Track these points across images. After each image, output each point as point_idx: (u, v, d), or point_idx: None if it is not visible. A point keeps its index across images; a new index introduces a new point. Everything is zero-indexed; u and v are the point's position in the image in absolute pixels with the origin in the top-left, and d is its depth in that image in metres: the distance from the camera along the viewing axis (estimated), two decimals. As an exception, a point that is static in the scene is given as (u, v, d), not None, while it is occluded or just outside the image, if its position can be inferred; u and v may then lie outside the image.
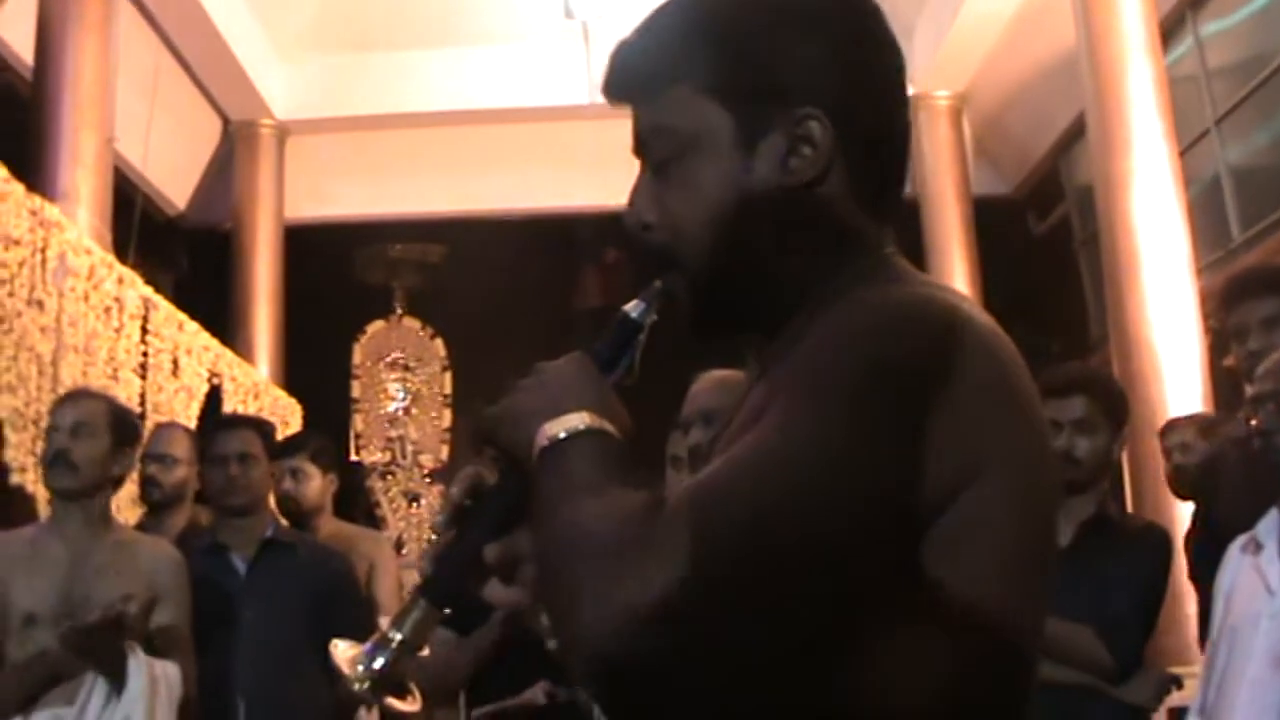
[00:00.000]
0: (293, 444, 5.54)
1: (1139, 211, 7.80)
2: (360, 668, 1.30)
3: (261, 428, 4.48)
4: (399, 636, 1.31)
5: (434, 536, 1.37)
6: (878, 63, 1.36)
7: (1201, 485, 4.17)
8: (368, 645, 1.31)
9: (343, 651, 1.32)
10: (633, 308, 1.38)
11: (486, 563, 1.31)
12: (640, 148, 1.38)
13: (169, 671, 3.49)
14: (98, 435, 3.74)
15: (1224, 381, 8.17)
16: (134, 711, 3.36)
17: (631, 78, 1.37)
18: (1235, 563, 3.11)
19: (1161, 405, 7.36)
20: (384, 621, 1.50)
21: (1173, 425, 5.38)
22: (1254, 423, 3.03)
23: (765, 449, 1.11)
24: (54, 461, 3.70)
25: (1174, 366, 7.54)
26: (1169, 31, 9.16)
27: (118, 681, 3.38)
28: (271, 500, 4.85)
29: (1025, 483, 1.18)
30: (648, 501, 1.14)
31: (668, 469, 3.41)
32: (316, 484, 5.40)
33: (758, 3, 1.35)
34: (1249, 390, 3.30)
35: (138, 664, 3.39)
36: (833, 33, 1.33)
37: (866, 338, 1.15)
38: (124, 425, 3.88)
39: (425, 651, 1.39)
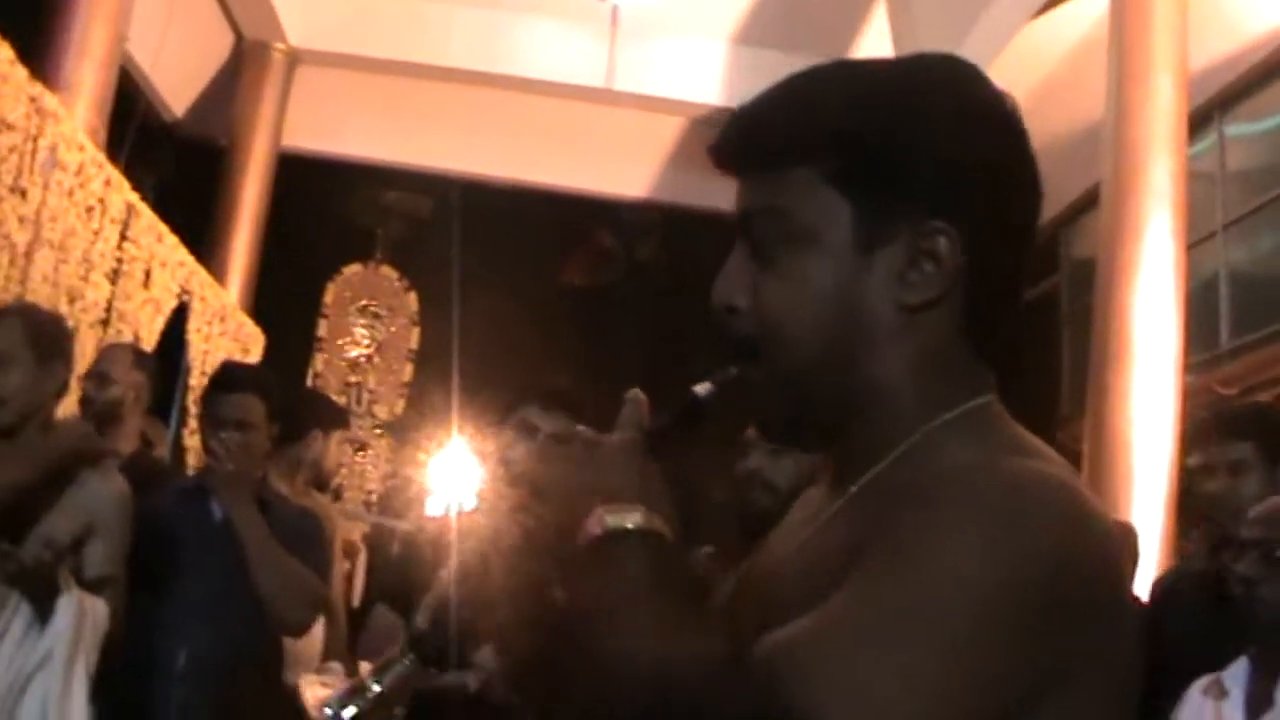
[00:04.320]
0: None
1: (1137, 299, 7.73)
2: (328, 711, 1.20)
3: (266, 390, 4.21)
4: (377, 689, 1.21)
5: (436, 591, 1.27)
6: (1019, 188, 1.23)
7: (1153, 611, 4.12)
8: (342, 689, 1.22)
9: (314, 690, 1.23)
10: (702, 390, 1.26)
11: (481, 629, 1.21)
12: (744, 225, 1.24)
13: (98, 608, 3.36)
14: (19, 360, 3.49)
15: (1189, 481, 8.14)
16: (57, 646, 3.22)
17: (751, 148, 1.24)
18: (1196, 705, 3.03)
19: (1126, 495, 7.31)
20: (365, 667, 1.40)
21: None
22: (1239, 568, 2.96)
23: (881, 635, 1.00)
24: None
25: (1145, 459, 7.47)
26: (1195, 125, 9.11)
27: (44, 612, 3.26)
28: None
29: (1114, 684, 1.08)
30: (728, 655, 1.06)
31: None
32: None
33: (907, 96, 1.21)
34: (1222, 529, 3.28)
35: (68, 599, 3.26)
36: (979, 146, 1.20)
37: (996, 533, 1.02)
38: (45, 338, 3.61)
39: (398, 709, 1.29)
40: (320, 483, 5.53)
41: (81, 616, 3.29)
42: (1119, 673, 1.09)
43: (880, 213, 1.18)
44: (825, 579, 1.08)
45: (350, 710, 1.20)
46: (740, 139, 1.25)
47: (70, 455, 3.57)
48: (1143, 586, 5.69)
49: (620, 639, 1.10)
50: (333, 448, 5.50)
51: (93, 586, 3.41)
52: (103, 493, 3.58)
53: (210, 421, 4.08)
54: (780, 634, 1.04)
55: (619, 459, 1.22)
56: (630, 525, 1.16)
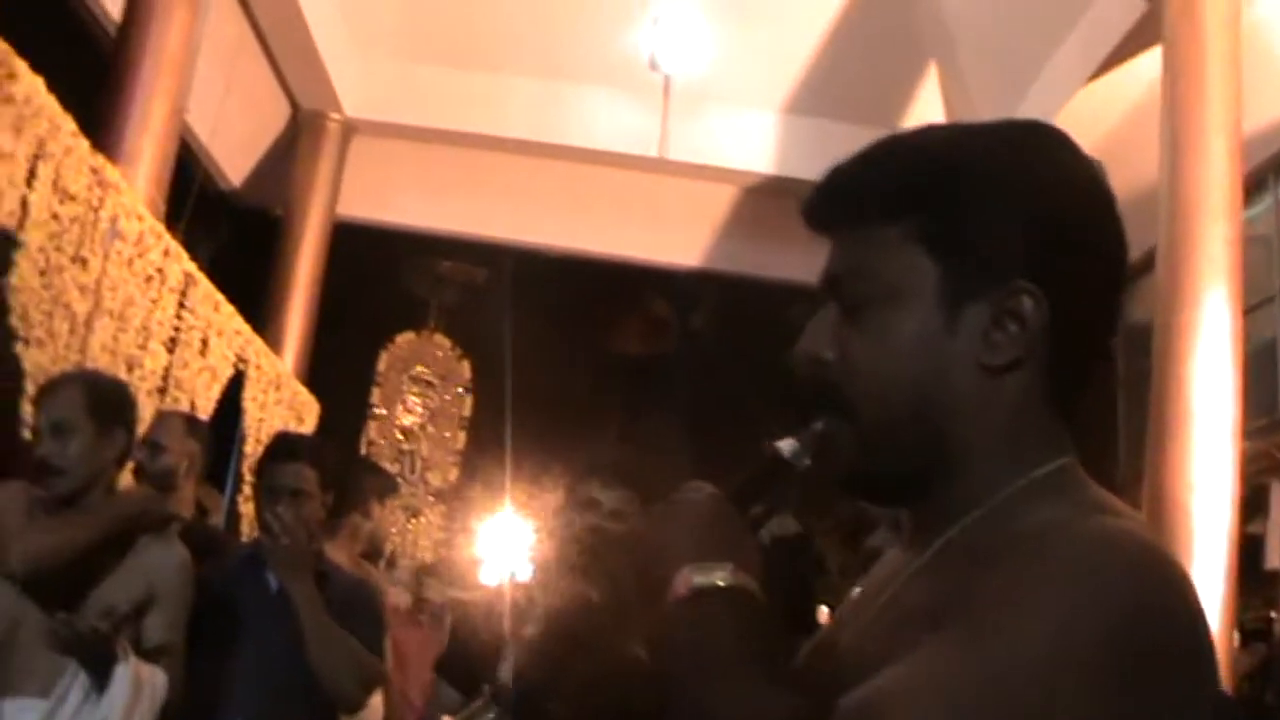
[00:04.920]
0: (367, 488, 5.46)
1: (1194, 364, 7.66)
2: None
3: (320, 458, 4.22)
4: None
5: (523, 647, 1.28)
6: (1103, 251, 1.24)
7: (1258, 677, 4.06)
8: None
9: None
10: (785, 446, 1.26)
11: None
12: (832, 283, 1.26)
13: (156, 678, 3.35)
14: (79, 429, 3.50)
15: (1248, 546, 8.03)
16: (111, 715, 3.23)
17: (841, 207, 1.26)
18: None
19: (1185, 562, 7.20)
20: (447, 720, 1.41)
21: None
22: None
23: (963, 699, 0.99)
24: (39, 470, 3.51)
25: (1204, 525, 7.38)
26: (1250, 189, 9.05)
27: (101, 680, 3.26)
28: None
29: None
30: (810, 716, 1.06)
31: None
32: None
33: (996, 158, 1.23)
34: None
35: (124, 668, 3.26)
36: (1065, 209, 1.21)
37: (1079, 594, 1.02)
38: (105, 406, 3.61)
39: None
40: (374, 552, 5.54)
41: (138, 686, 3.29)
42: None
43: (966, 272, 1.19)
44: (905, 641, 1.08)
45: None
46: (832, 197, 1.27)
47: (133, 520, 3.59)
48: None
49: (708, 699, 1.11)
50: (385, 515, 5.51)
51: (152, 654, 3.42)
52: (164, 560, 3.60)
53: (266, 491, 4.08)
54: (859, 693, 1.04)
55: (705, 516, 1.22)
56: (718, 583, 1.16)
